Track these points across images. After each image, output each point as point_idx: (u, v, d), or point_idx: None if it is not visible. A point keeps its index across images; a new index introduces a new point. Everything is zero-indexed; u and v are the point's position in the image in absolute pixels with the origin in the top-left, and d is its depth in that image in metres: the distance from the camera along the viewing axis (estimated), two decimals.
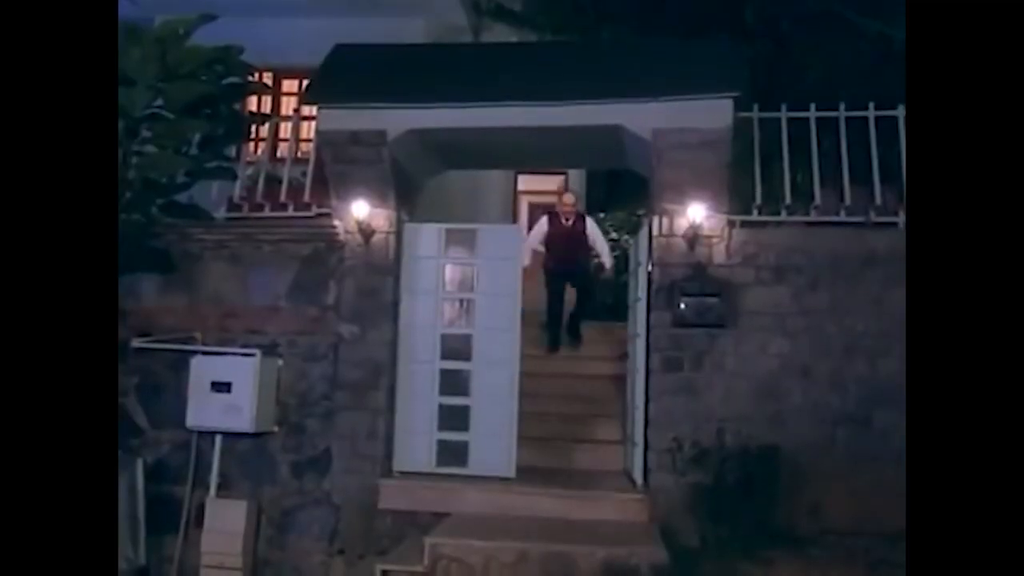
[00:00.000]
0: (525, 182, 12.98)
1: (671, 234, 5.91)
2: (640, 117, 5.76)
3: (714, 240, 5.88)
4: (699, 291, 5.80)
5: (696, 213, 5.75)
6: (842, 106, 6.25)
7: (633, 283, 6.63)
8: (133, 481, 5.95)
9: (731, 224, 5.90)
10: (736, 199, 6.02)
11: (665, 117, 5.70)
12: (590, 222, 8.35)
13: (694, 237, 5.84)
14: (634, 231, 8.15)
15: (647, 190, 6.29)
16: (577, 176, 12.00)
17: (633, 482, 6.05)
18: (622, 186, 9.68)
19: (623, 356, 7.04)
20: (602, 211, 10.13)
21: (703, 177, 5.76)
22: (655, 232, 5.97)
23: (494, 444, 6.12)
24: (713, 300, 5.79)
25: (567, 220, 8.20)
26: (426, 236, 6.41)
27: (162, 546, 6.09)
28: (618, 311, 8.05)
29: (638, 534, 5.41)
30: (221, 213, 6.48)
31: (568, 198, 8.42)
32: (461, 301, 6.39)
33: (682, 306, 5.79)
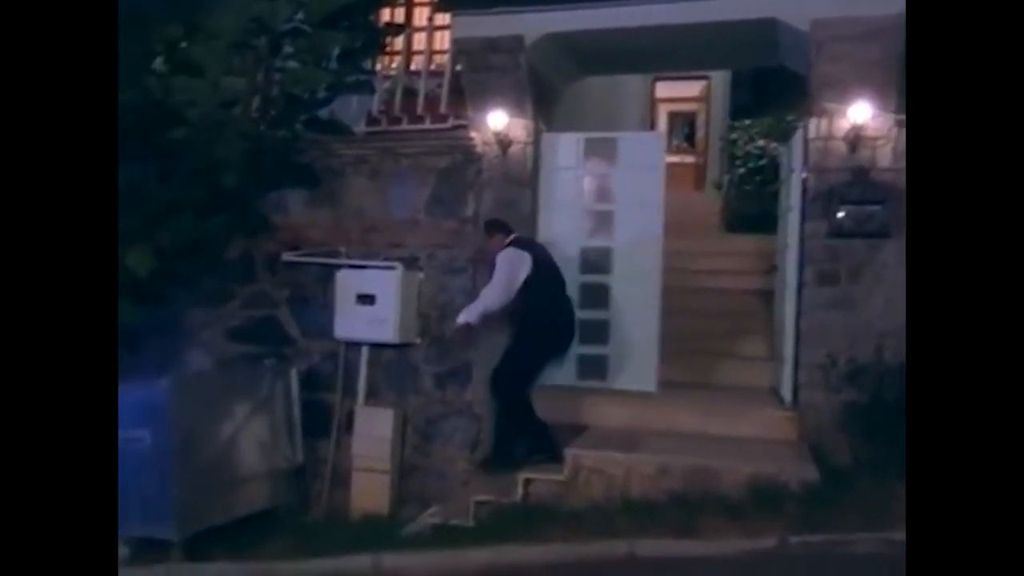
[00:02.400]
0: (663, 89, 12.43)
1: (830, 136, 5.47)
2: (797, 7, 5.31)
3: (879, 142, 5.39)
4: (860, 198, 5.38)
5: (859, 113, 5.27)
6: None
7: (784, 192, 6.23)
8: (288, 388, 6.25)
9: (899, 124, 5.38)
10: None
11: (826, 6, 5.21)
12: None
13: (856, 139, 5.37)
14: (783, 138, 7.64)
15: (801, 91, 5.81)
16: (721, 79, 11.37)
17: (781, 399, 5.82)
18: (770, 89, 9.04)
19: (770, 269, 6.71)
20: (747, 118, 9.56)
21: (868, 72, 5.25)
22: (811, 135, 5.54)
23: (635, 358, 6.04)
24: (876, 208, 5.36)
25: None
26: (564, 146, 6.23)
27: (316, 449, 6.42)
28: (763, 223, 7.63)
29: (787, 451, 5.21)
30: (361, 127, 6.52)
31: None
32: (601, 212, 6.22)
33: (840, 215, 5.40)
